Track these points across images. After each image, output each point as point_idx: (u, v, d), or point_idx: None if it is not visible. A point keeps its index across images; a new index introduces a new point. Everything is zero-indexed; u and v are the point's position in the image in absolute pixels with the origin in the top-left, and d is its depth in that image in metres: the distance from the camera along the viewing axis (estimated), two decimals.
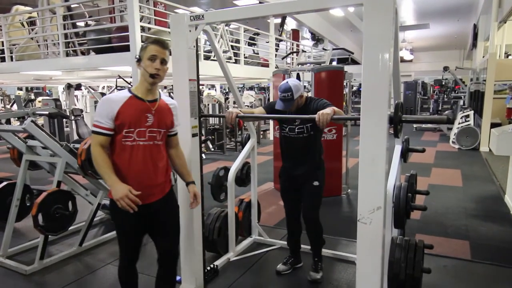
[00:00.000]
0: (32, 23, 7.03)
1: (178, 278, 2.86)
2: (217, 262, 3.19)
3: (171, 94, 10.06)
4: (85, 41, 5.98)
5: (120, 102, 2.03)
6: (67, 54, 6.03)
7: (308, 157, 2.89)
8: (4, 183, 4.04)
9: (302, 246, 3.19)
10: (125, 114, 2.02)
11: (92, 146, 2.02)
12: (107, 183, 1.99)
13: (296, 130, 2.85)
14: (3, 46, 6.62)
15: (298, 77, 5.98)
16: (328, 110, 2.28)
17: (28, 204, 3.95)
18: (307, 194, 2.91)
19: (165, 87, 12.89)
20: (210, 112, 9.80)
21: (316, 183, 2.86)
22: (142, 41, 5.09)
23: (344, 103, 5.53)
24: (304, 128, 2.82)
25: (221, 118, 9.42)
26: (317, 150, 2.92)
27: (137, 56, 2.09)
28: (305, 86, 9.68)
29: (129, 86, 2.18)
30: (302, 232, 3.10)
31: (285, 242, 3.32)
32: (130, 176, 2.04)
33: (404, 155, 3.26)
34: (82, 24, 7.00)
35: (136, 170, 2.05)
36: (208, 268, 3.03)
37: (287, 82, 2.72)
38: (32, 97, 13.22)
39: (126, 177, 2.03)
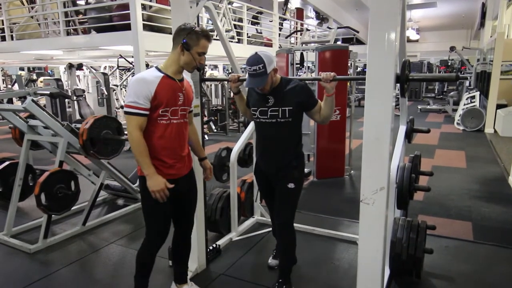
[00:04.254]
0: (31, 1, 6.93)
1: None
2: (219, 242, 3.21)
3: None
4: (86, 19, 5.89)
5: (155, 82, 2.00)
6: (68, 33, 5.96)
7: (282, 150, 2.41)
8: (7, 162, 4.05)
9: (309, 227, 3.11)
10: (162, 94, 2.01)
11: (131, 130, 1.99)
12: (144, 171, 2.02)
13: (268, 113, 2.35)
14: (3, 25, 6.53)
15: (302, 57, 5.89)
16: (330, 72, 2.18)
17: (31, 184, 3.96)
18: (280, 198, 2.46)
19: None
20: (213, 94, 9.73)
21: (291, 185, 2.38)
22: (143, 20, 5.02)
23: (348, 84, 5.44)
24: (279, 111, 2.31)
25: (224, 99, 9.37)
26: (294, 142, 2.43)
27: (185, 41, 2.02)
28: (309, 66, 9.58)
29: (156, 65, 2.15)
30: None
31: None
32: (163, 153, 2.09)
33: (408, 136, 3.23)
34: (82, 2, 6.89)
35: (170, 147, 2.11)
36: (211, 247, 3.05)
37: (256, 53, 2.26)
38: (34, 77, 13.15)
39: (159, 154, 2.08)
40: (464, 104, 9.48)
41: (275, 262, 2.86)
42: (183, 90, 2.14)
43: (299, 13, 13.38)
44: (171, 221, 2.28)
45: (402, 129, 3.16)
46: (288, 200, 2.45)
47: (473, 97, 9.42)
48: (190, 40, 2.03)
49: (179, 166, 2.18)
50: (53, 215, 3.38)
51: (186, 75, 2.27)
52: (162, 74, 2.05)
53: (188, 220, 2.41)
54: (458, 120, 9.32)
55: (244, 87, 2.44)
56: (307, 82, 2.46)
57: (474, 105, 9.17)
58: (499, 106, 8.53)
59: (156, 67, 2.10)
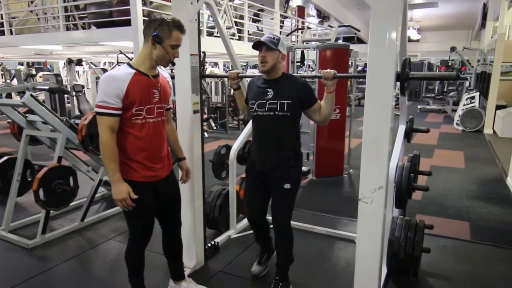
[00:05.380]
0: None
1: None
2: (218, 239, 3.21)
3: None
4: (86, 15, 5.87)
5: (126, 79, 1.88)
6: (67, 28, 5.94)
7: (279, 146, 2.34)
8: (5, 157, 4.04)
9: (307, 225, 3.11)
10: (134, 91, 1.89)
11: (102, 131, 1.87)
12: (109, 178, 1.93)
13: (266, 106, 2.29)
14: (2, 19, 6.51)
15: (302, 55, 5.88)
16: (331, 70, 2.15)
17: (29, 179, 3.96)
18: (277, 198, 2.42)
19: None
20: (213, 91, 9.72)
21: (287, 185, 2.33)
22: (143, 16, 5.00)
23: (348, 82, 5.44)
24: (277, 104, 2.26)
25: (224, 97, 9.36)
26: (292, 138, 2.37)
27: (155, 33, 1.90)
28: (309, 65, 9.57)
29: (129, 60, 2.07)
30: (270, 228, 2.67)
31: None
32: (141, 154, 2.00)
33: (408, 135, 3.23)
34: None
35: (148, 147, 2.01)
36: (209, 244, 3.05)
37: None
38: (33, 72, 13.11)
39: (136, 155, 1.99)
40: (464, 105, 9.48)
41: (259, 269, 2.76)
42: (158, 86, 2.02)
43: (300, 11, 13.35)
44: (155, 220, 2.20)
45: (402, 129, 3.16)
46: (285, 201, 2.40)
47: (473, 97, 9.43)
48: (161, 32, 1.90)
49: (158, 167, 2.08)
50: (51, 211, 3.37)
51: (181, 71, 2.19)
52: (134, 71, 1.93)
53: (175, 220, 2.35)
54: (458, 120, 9.33)
55: (244, 83, 2.43)
56: (307, 79, 2.45)
57: (473, 106, 9.17)
58: (498, 107, 8.54)
59: (128, 63, 1.98)
